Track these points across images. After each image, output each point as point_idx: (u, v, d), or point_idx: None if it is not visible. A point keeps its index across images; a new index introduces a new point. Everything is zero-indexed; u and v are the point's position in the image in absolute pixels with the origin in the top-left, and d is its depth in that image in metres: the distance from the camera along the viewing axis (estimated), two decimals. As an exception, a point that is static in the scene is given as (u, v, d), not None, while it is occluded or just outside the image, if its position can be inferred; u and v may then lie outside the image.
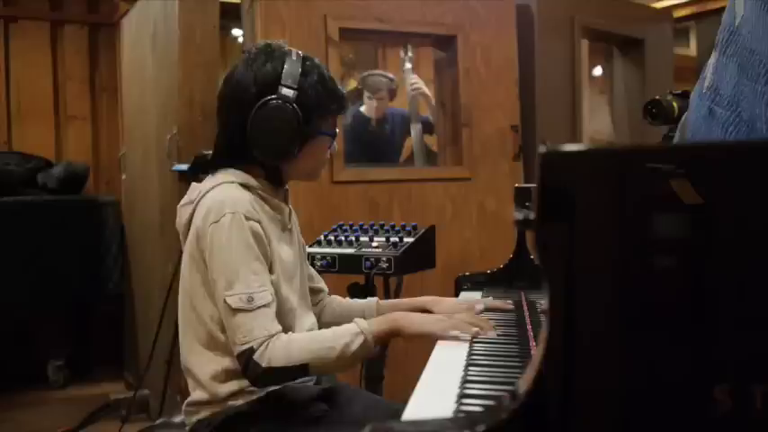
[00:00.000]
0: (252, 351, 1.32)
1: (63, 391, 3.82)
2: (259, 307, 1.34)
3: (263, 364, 1.31)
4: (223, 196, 1.40)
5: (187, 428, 1.45)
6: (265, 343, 1.32)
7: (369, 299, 1.72)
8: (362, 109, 3.91)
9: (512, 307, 1.59)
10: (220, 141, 1.52)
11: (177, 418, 1.54)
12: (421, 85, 3.61)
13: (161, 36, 3.26)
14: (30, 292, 3.62)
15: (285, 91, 1.42)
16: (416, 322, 1.41)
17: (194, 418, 1.44)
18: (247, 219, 1.38)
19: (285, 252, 1.49)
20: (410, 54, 3.65)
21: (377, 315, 1.62)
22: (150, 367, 3.06)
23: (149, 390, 3.25)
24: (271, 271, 1.42)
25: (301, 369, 1.34)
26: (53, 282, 3.67)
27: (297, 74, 1.44)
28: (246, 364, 1.33)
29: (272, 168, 1.49)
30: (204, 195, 1.43)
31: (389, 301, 1.73)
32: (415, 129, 3.66)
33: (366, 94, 3.88)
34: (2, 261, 3.50)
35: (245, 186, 1.44)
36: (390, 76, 3.93)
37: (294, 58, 1.46)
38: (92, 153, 4.38)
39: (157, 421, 1.71)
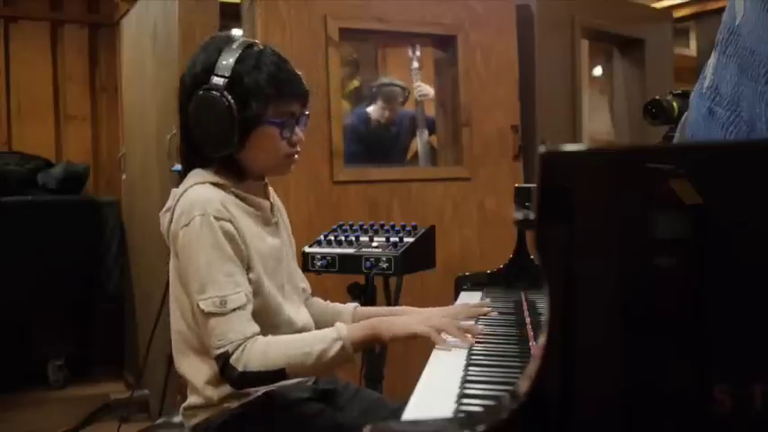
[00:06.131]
0: (228, 355, 1.31)
1: (63, 391, 3.82)
2: (233, 310, 1.32)
3: (239, 369, 1.30)
4: (194, 198, 1.38)
5: (186, 432, 1.45)
6: (241, 346, 1.31)
7: (348, 304, 1.70)
8: (369, 110, 3.93)
9: (488, 310, 1.54)
10: (181, 142, 1.50)
11: (177, 419, 1.53)
12: (428, 90, 3.64)
13: (161, 36, 3.26)
14: (30, 292, 3.62)
15: (215, 80, 1.38)
16: (395, 325, 1.38)
17: (191, 423, 1.44)
18: (217, 219, 1.35)
19: (266, 245, 1.46)
20: (418, 53, 3.66)
21: (352, 320, 1.59)
22: (147, 367, 3.06)
23: (149, 390, 3.25)
24: (249, 270, 1.40)
25: (277, 373, 1.33)
26: (53, 282, 3.66)
27: (231, 62, 1.39)
28: (223, 368, 1.32)
29: (230, 162, 1.44)
30: (179, 199, 1.41)
31: (367, 308, 1.71)
32: (422, 134, 3.67)
33: (380, 102, 3.91)
34: (2, 261, 3.50)
35: (216, 185, 1.41)
36: (405, 85, 3.95)
37: (234, 46, 1.42)
38: (92, 153, 4.38)
39: (157, 421, 1.71)
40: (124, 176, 4.04)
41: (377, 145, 3.84)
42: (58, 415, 3.35)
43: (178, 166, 2.89)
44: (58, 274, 3.67)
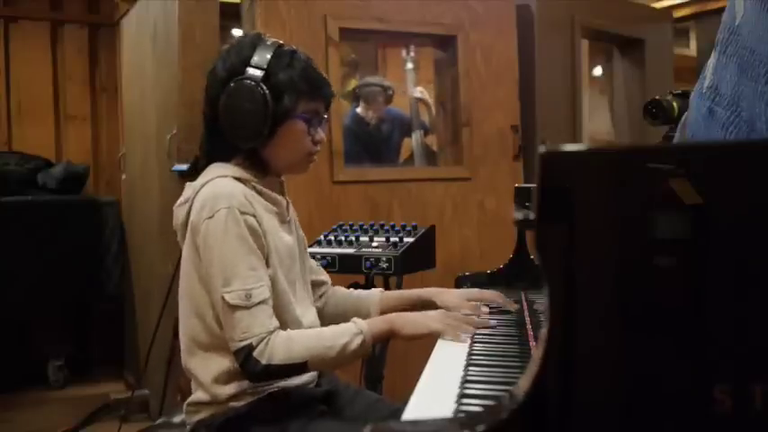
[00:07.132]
0: (251, 348, 1.32)
1: (63, 391, 3.82)
2: (257, 303, 1.34)
3: (263, 362, 1.32)
4: (218, 190, 1.39)
5: (188, 428, 1.45)
6: (265, 339, 1.33)
7: (373, 290, 1.72)
8: (359, 110, 3.94)
9: (516, 307, 1.58)
10: (204, 135, 1.52)
11: (177, 418, 1.54)
12: (427, 97, 3.66)
13: (161, 36, 3.26)
14: (30, 292, 3.62)
15: (251, 71, 1.42)
16: (412, 323, 1.42)
17: (195, 419, 1.44)
18: (242, 213, 1.37)
19: (283, 243, 1.48)
20: (412, 54, 3.67)
21: (380, 308, 1.64)
22: (148, 367, 3.06)
23: (149, 390, 3.25)
24: (267, 264, 1.41)
25: (300, 366, 1.36)
26: (53, 282, 3.66)
27: (267, 57, 1.43)
28: (245, 361, 1.33)
29: (254, 156, 1.47)
30: (199, 191, 1.42)
31: (394, 292, 1.73)
32: (417, 135, 3.68)
33: (362, 102, 3.92)
34: (2, 261, 3.50)
35: (237, 179, 1.43)
36: (385, 84, 3.96)
37: (268, 44, 1.46)
38: (92, 153, 4.38)
39: (157, 421, 1.71)
40: (124, 176, 4.04)
41: (368, 144, 3.84)
42: (58, 415, 3.35)
43: (178, 166, 2.91)
44: (57, 274, 3.67)
